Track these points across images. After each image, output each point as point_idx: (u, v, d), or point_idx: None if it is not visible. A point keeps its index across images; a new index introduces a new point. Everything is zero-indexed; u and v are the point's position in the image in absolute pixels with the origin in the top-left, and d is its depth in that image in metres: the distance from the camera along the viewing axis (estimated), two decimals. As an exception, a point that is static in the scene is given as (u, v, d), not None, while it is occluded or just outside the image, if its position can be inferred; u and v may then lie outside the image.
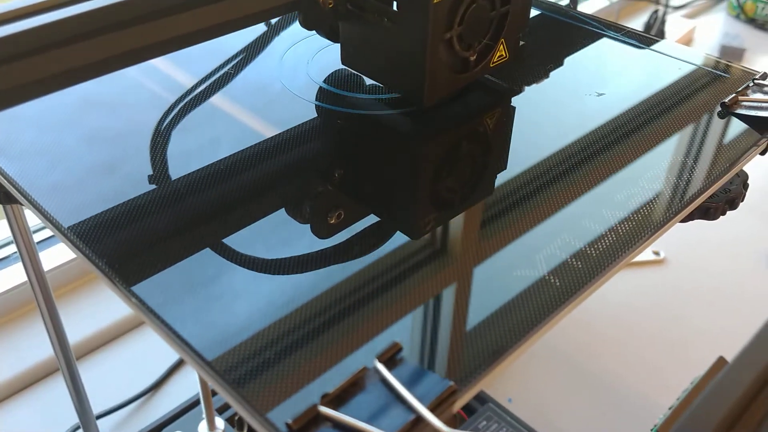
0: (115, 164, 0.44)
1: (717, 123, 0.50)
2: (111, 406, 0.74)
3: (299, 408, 0.29)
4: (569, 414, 0.75)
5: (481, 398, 0.70)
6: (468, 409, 0.69)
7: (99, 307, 0.82)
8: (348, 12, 0.49)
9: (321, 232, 0.40)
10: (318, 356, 0.32)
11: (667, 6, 1.54)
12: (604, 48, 0.59)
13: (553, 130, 0.49)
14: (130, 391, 0.75)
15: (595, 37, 0.60)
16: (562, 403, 0.77)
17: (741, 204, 0.50)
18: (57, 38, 0.41)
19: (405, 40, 0.46)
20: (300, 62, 0.55)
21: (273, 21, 0.60)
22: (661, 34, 1.45)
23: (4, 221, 0.51)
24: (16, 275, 0.81)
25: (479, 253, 0.38)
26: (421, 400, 0.29)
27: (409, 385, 0.30)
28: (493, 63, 0.50)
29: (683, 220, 0.44)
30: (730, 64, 0.56)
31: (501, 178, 0.44)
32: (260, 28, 0.59)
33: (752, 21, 1.55)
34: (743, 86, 0.52)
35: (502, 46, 0.50)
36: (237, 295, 0.35)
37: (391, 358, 0.31)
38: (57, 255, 0.84)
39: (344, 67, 0.52)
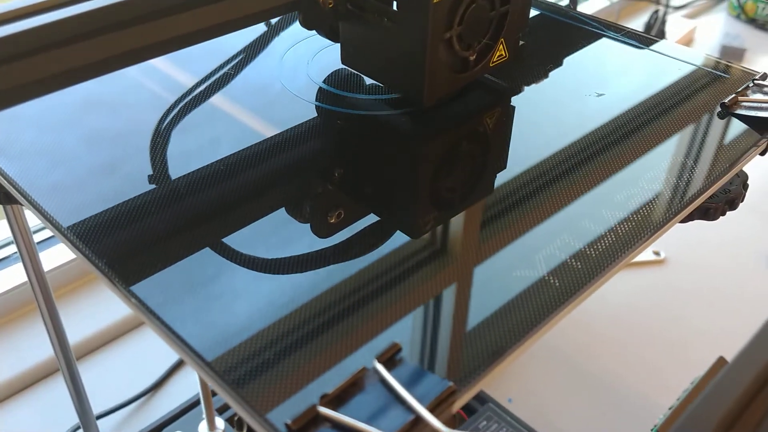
0: (115, 164, 0.44)
1: (717, 123, 0.50)
2: (111, 406, 0.74)
3: (299, 408, 0.29)
4: (569, 414, 0.75)
5: (481, 398, 0.70)
6: (468, 409, 0.69)
7: (99, 307, 0.82)
8: (348, 12, 0.49)
9: (321, 231, 0.40)
10: (317, 357, 0.32)
11: (667, 6, 1.54)
12: (604, 48, 0.59)
13: (553, 130, 0.49)
14: (130, 392, 0.75)
15: (595, 38, 0.60)
16: (561, 403, 0.77)
17: (741, 204, 0.50)
18: (57, 38, 0.41)
19: (405, 40, 0.46)
20: (300, 62, 0.55)
21: (273, 21, 0.60)
22: (661, 35, 1.44)
23: (4, 221, 0.51)
24: (16, 275, 0.81)
25: (479, 254, 0.38)
26: (420, 400, 0.29)
27: (409, 385, 0.30)
28: (492, 63, 0.50)
29: (683, 221, 0.44)
30: (729, 64, 0.56)
31: (501, 178, 0.44)
32: (260, 28, 0.59)
33: (753, 21, 1.55)
34: (743, 87, 0.52)
35: (501, 46, 0.50)
36: (237, 296, 0.35)
37: (391, 359, 0.31)
38: (57, 255, 0.84)
39: (344, 67, 0.52)
